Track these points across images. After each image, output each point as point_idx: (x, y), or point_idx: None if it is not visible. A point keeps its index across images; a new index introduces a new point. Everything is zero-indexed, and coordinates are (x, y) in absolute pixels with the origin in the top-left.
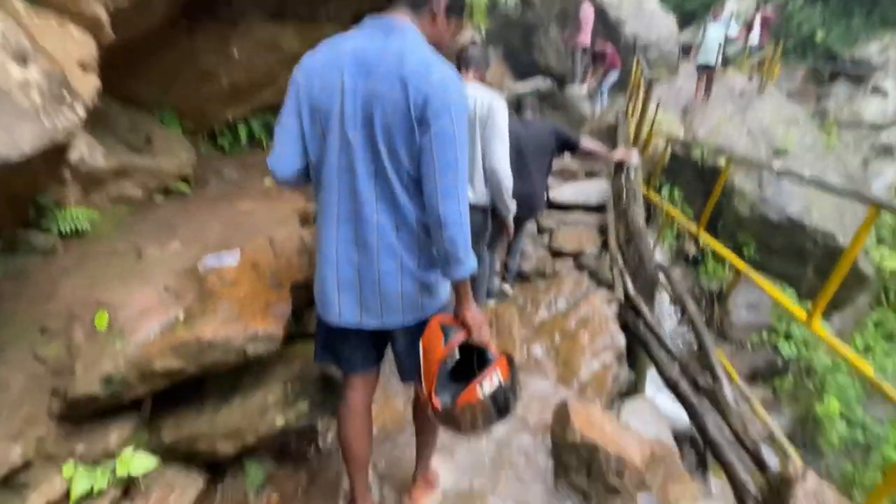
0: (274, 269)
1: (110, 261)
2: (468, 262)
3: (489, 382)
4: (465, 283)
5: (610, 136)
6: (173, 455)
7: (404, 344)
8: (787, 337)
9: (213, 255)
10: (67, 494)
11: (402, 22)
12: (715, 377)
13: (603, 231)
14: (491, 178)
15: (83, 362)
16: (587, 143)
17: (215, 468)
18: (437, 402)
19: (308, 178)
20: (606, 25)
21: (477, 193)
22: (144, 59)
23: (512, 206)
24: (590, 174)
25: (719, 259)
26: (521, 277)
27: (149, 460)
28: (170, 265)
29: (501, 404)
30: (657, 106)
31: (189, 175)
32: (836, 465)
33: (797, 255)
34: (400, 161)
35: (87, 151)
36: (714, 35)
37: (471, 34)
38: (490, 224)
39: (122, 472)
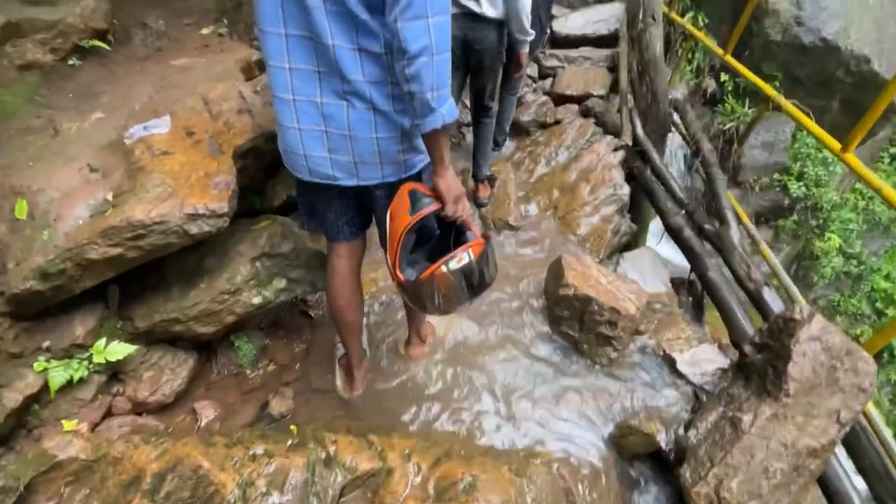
0: (212, 134)
1: (24, 140)
2: (440, 109)
3: (456, 262)
4: (438, 137)
5: None
6: (154, 339)
7: (385, 206)
8: (800, 176)
9: (140, 124)
10: (47, 388)
11: None
12: (723, 220)
13: (613, 68)
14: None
15: (12, 257)
16: None
17: (207, 346)
18: (401, 275)
19: None
20: None
21: (494, 4)
22: None
23: (531, 32)
24: None
25: (740, 96)
26: (519, 130)
27: (126, 347)
28: (92, 139)
29: (469, 281)
30: None
31: (102, 28)
32: (824, 295)
33: (825, 85)
34: None
35: None
36: None
37: None
38: (504, 47)
39: (98, 359)
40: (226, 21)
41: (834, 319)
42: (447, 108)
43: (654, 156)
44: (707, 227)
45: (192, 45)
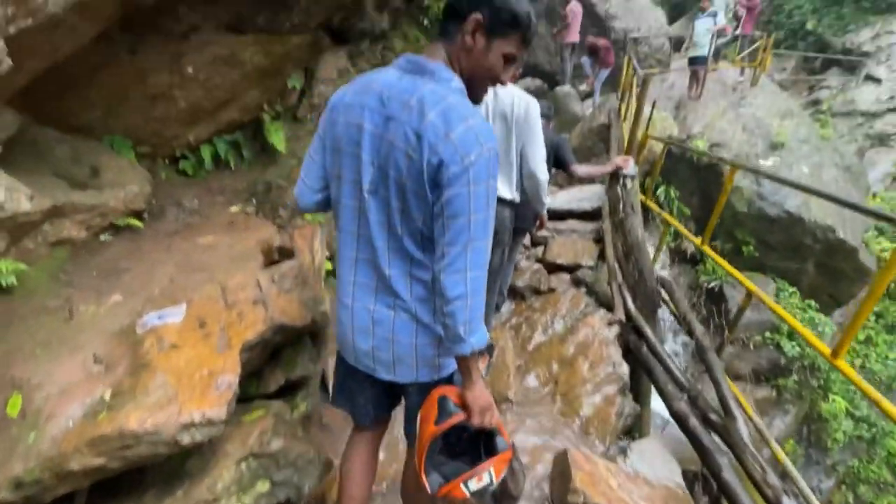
0: (224, 325)
1: (37, 322)
2: (469, 339)
3: (476, 481)
4: (467, 359)
5: (602, 135)
6: None
7: (416, 402)
8: (790, 336)
9: (155, 312)
10: None
11: (434, 61)
12: (727, 411)
13: (599, 240)
14: (529, 181)
15: None
16: (581, 169)
17: None
18: (426, 481)
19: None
20: (595, 21)
21: (511, 190)
22: (83, 82)
23: (548, 201)
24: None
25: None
26: (515, 294)
27: None
28: (105, 325)
29: (488, 499)
30: (653, 106)
31: (141, 208)
32: (841, 460)
33: (797, 250)
34: (413, 220)
35: (3, 195)
36: (703, 28)
37: None
38: (513, 221)
39: None
40: (255, 201)
41: (857, 489)
42: (477, 338)
43: (649, 332)
44: (713, 417)
45: (220, 221)
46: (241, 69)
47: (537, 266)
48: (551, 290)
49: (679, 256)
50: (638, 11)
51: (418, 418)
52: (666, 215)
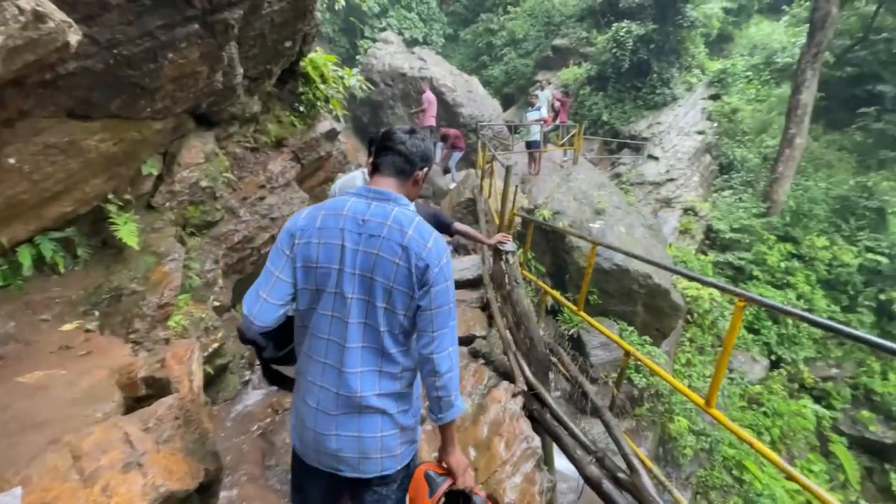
0: None
1: None
2: (458, 403)
3: None
4: (453, 426)
5: (469, 208)
6: None
7: (379, 494)
8: (638, 369)
9: None
10: None
11: (393, 192)
12: (631, 467)
13: (485, 308)
14: None
15: None
16: (461, 227)
17: None
18: None
19: (277, 329)
20: (446, 107)
21: None
22: None
23: None
24: (458, 249)
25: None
26: None
27: None
28: None
29: None
30: (516, 189)
31: None
32: (692, 472)
33: (629, 295)
34: (395, 316)
35: None
36: (532, 119)
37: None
38: None
39: None
40: (97, 313)
41: (708, 496)
42: (460, 402)
43: (550, 399)
44: (621, 476)
45: (49, 347)
46: (83, 157)
47: None
48: None
49: (540, 308)
50: (479, 101)
51: (406, 499)
52: (547, 288)
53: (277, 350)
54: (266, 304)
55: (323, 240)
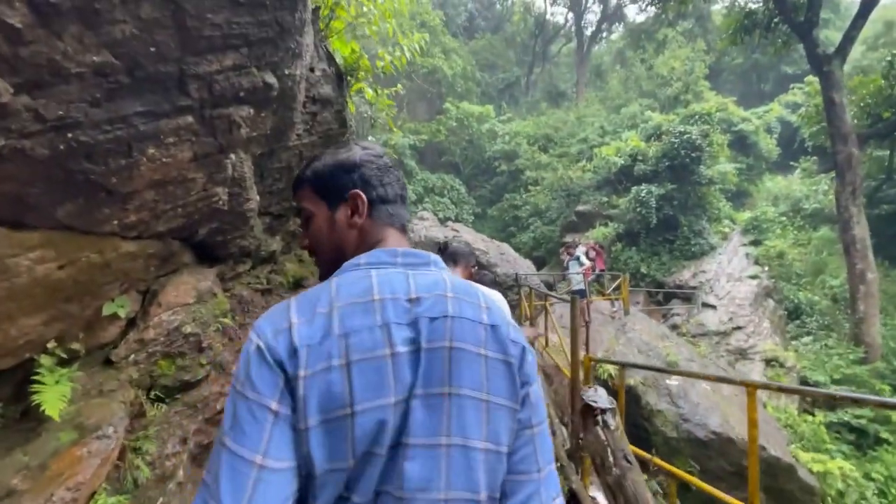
0: None
1: None
2: None
3: None
4: None
5: None
6: None
7: None
8: None
9: None
10: None
11: (431, 254)
12: None
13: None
14: None
15: None
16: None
17: None
18: None
19: None
20: (481, 266)
21: None
22: None
23: None
24: None
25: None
26: None
27: None
28: None
29: None
30: (587, 327)
31: None
32: None
33: (741, 476)
34: (500, 461)
35: None
36: (574, 268)
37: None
38: None
39: None
40: None
41: None
42: None
43: None
44: None
45: None
46: (8, 283)
47: None
48: None
49: None
50: (512, 261)
51: None
52: (670, 467)
53: None
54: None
55: (355, 356)
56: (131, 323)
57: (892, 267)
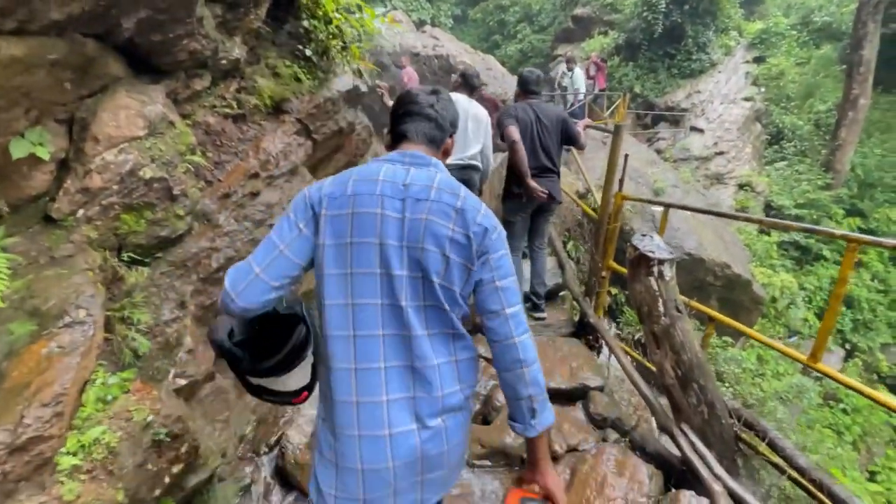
0: None
1: None
2: (549, 406)
3: None
4: (546, 436)
5: None
6: None
7: None
8: (720, 377)
9: None
10: None
11: (432, 157)
12: None
13: (581, 333)
14: (486, 160)
15: None
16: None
17: None
18: None
19: (258, 333)
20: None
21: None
22: None
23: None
24: None
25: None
26: (509, 458)
27: None
28: None
29: None
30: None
31: None
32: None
33: (700, 289)
34: (454, 294)
35: None
36: (569, 85)
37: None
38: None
39: None
40: None
41: None
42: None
43: None
44: None
45: None
46: None
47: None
48: (572, 450)
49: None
50: (500, 78)
51: None
52: (700, 306)
53: (256, 362)
54: (258, 280)
55: (357, 209)
56: (64, 166)
57: (883, 93)
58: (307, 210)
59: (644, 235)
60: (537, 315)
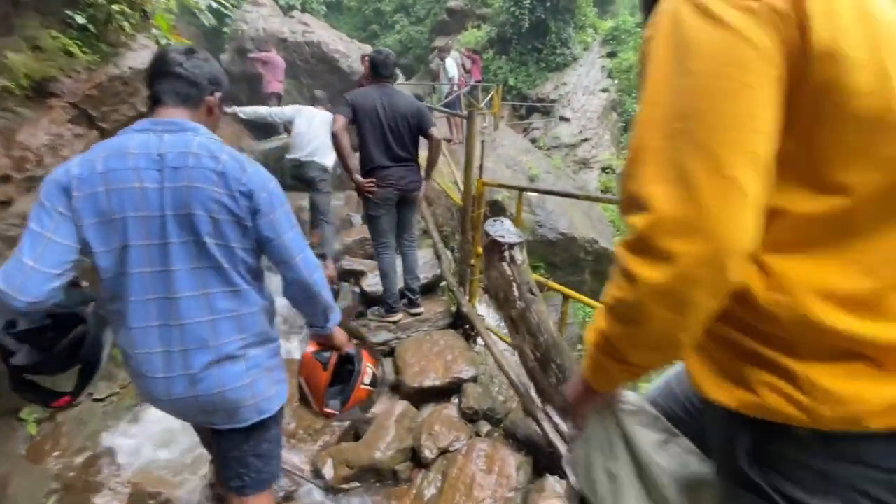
0: None
1: None
2: (337, 308)
3: (367, 376)
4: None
5: None
6: None
7: (257, 438)
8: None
9: None
10: None
11: (189, 122)
12: None
13: (457, 324)
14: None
15: None
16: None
17: None
18: (330, 410)
19: (52, 302)
20: (342, 77)
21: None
22: None
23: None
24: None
25: None
26: (379, 474)
27: None
28: None
29: (377, 384)
30: (483, 146)
31: None
32: None
33: (575, 265)
34: (234, 252)
35: None
36: (443, 76)
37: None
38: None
39: None
40: None
41: None
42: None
43: None
44: None
45: None
46: None
47: (401, 406)
48: (443, 453)
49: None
50: None
51: (302, 380)
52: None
53: (39, 354)
54: (34, 272)
55: (112, 186)
56: None
57: None
58: (61, 195)
59: (495, 220)
60: (413, 311)
